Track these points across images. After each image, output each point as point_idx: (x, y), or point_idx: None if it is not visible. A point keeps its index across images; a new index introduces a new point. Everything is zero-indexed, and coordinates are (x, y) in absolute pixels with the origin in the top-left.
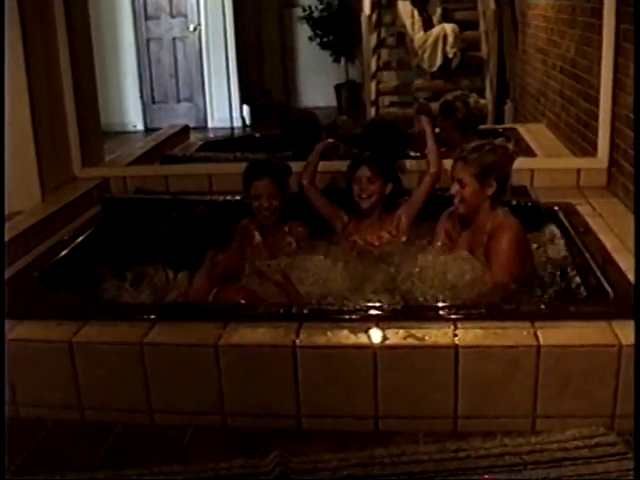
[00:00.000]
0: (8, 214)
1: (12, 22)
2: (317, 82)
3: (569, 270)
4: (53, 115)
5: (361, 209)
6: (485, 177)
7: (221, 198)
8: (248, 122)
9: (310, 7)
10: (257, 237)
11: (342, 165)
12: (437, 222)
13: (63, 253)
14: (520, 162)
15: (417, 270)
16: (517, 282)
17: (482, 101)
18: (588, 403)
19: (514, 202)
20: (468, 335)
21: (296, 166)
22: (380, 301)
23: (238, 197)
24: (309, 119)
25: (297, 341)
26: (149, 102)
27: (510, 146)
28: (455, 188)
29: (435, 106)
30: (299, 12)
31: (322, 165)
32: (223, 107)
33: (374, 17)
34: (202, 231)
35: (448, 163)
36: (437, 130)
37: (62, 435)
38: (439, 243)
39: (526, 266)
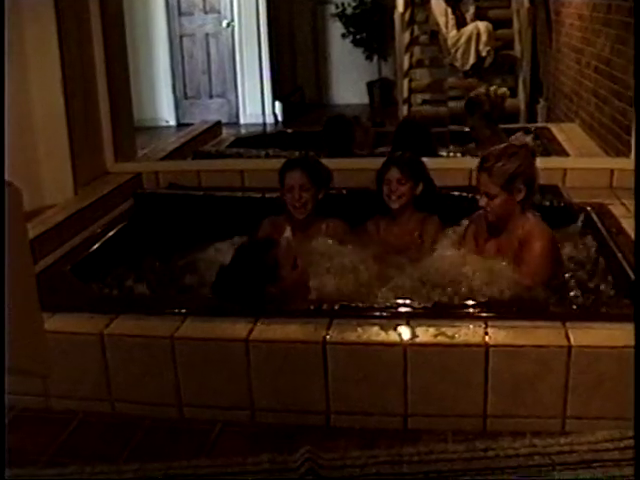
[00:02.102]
0: (42, 207)
1: (48, 18)
2: (349, 79)
3: (601, 271)
4: (87, 110)
5: (391, 210)
6: (513, 184)
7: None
8: (280, 118)
9: (343, 4)
10: (288, 232)
11: (373, 163)
12: (466, 227)
13: (95, 247)
14: (553, 161)
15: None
16: (547, 289)
17: (502, 89)
18: (619, 405)
19: (547, 203)
20: (499, 334)
21: (329, 163)
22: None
23: (273, 195)
24: (343, 119)
25: (327, 337)
26: (181, 98)
27: (529, 140)
28: (484, 201)
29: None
30: (332, 9)
31: (355, 162)
32: (255, 103)
33: (407, 15)
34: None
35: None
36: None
37: (92, 427)
38: (467, 248)
39: (557, 275)
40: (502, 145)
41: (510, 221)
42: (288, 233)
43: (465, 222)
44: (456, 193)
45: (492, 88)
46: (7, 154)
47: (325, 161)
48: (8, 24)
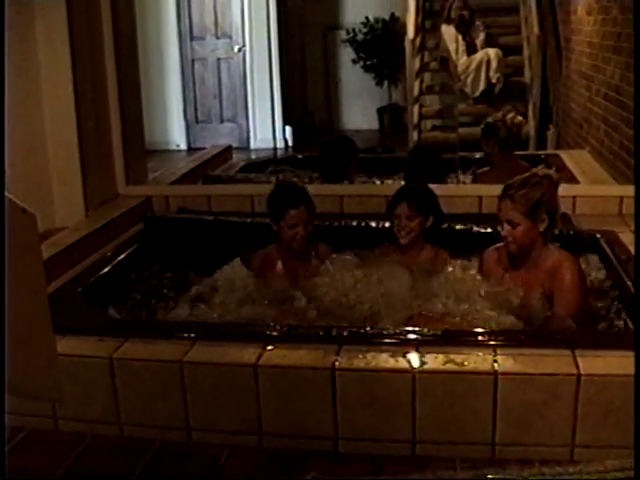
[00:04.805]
0: (53, 229)
1: (61, 42)
2: (360, 105)
3: (611, 298)
4: (99, 133)
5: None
6: (536, 213)
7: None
8: (290, 143)
9: (354, 30)
10: (279, 266)
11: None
12: (480, 264)
13: (105, 270)
14: (562, 189)
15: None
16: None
17: (519, 117)
18: (629, 434)
19: (556, 231)
20: (508, 362)
21: (328, 190)
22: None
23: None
24: (343, 141)
25: (336, 363)
26: (193, 122)
27: (553, 173)
28: (506, 229)
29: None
30: (343, 35)
31: (366, 189)
32: (266, 128)
33: (418, 41)
34: None
35: (497, 189)
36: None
37: (100, 450)
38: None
39: (587, 303)
40: (525, 174)
41: (532, 253)
42: (280, 268)
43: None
44: (464, 227)
45: (509, 116)
46: (19, 176)
47: (328, 187)
48: (22, 44)
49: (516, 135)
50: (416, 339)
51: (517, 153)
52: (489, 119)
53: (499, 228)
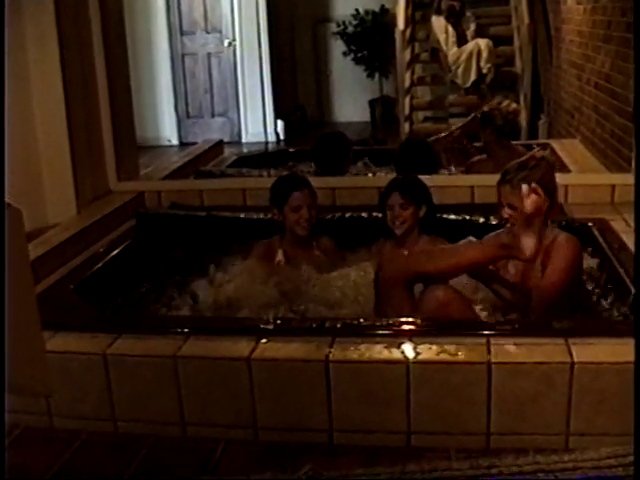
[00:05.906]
0: (45, 227)
1: (50, 38)
2: (351, 97)
3: (603, 287)
4: (89, 129)
5: (395, 236)
6: None
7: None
8: (282, 137)
9: (344, 22)
10: (280, 255)
11: (379, 181)
12: None
13: (98, 266)
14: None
15: None
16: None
17: (513, 104)
18: (623, 421)
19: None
20: (501, 351)
21: (320, 182)
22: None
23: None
24: (336, 138)
25: (330, 355)
26: (184, 117)
27: (547, 154)
28: (507, 212)
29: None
30: (333, 27)
31: (359, 180)
32: (257, 122)
33: (408, 32)
34: None
35: (489, 179)
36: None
37: (95, 446)
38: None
39: (578, 285)
40: (522, 158)
41: None
42: (280, 257)
43: None
44: (456, 217)
45: (504, 104)
46: (10, 174)
47: (320, 179)
48: (11, 40)
49: (512, 122)
50: (409, 330)
51: (515, 135)
52: (485, 108)
53: (497, 215)
